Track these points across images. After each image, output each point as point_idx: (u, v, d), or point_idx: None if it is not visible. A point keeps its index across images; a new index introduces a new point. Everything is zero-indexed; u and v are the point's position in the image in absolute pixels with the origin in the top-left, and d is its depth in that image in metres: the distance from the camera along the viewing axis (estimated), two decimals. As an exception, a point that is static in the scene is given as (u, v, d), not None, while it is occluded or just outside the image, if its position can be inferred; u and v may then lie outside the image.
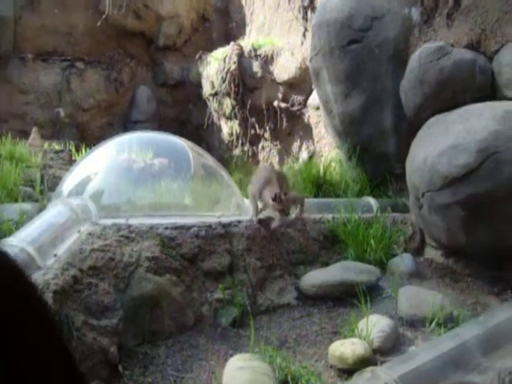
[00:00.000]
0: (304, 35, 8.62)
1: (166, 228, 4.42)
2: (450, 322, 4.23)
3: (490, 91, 5.40)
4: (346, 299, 4.61)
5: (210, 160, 5.94)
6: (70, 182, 5.35)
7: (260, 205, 5.17)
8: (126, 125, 11.11)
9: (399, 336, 4.18)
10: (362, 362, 3.64)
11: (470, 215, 4.94)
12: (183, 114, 11.25)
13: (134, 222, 4.41)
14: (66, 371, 0.84)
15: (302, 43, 8.54)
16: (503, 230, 4.93)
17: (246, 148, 9.64)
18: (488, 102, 5.24)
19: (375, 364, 3.61)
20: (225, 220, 4.82)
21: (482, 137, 4.81)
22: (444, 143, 5.03)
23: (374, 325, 4.02)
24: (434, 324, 4.19)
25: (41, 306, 0.86)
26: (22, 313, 0.78)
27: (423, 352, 3.57)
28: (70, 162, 7.56)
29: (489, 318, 4.07)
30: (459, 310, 4.46)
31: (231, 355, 3.80)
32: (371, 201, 5.99)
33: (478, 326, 3.86)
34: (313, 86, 7.56)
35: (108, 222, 4.34)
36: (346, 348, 3.79)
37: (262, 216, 5.09)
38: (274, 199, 4.88)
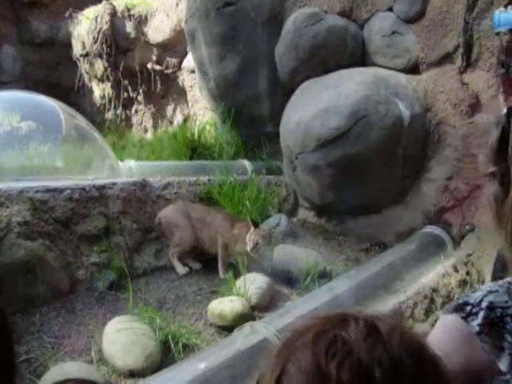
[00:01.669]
0: (179, -4, 8.47)
1: (38, 191, 4.22)
2: (323, 278, 4.43)
3: (360, 57, 5.62)
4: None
5: (82, 122, 5.73)
6: None
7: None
8: (-11, 86, 10.42)
9: (276, 292, 4.33)
10: (241, 319, 3.72)
11: (340, 176, 5.16)
12: (52, 75, 10.69)
13: (1, 186, 4.17)
14: None
15: (177, 4, 8.37)
16: (370, 190, 5.19)
17: (118, 111, 9.40)
18: (359, 67, 5.46)
19: (254, 320, 3.70)
20: (99, 182, 4.68)
21: (352, 100, 5.00)
22: (317, 106, 5.18)
23: (252, 282, 4.13)
24: (308, 280, 4.37)
25: None
26: None
27: (300, 305, 3.69)
28: None
29: (359, 272, 4.29)
30: (332, 265, 4.67)
31: (110, 318, 3.74)
32: (246, 163, 6.09)
33: (349, 280, 4.06)
34: (188, 49, 7.48)
35: (-28, 187, 4.07)
36: (224, 306, 3.87)
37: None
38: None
